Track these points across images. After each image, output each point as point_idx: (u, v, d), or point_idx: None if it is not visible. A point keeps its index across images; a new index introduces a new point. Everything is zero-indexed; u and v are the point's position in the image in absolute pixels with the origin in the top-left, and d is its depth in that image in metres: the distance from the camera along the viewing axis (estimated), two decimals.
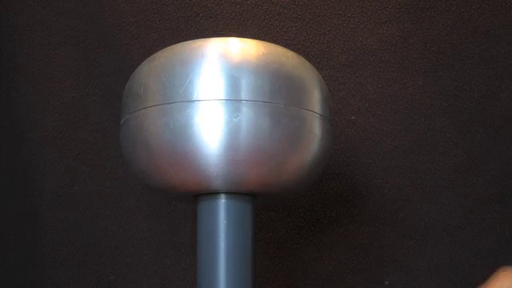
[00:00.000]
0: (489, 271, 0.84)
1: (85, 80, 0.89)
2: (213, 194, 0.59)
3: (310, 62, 0.63)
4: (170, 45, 0.60)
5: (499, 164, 0.85)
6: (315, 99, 0.59)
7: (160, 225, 0.89)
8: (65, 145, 0.90)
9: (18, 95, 0.90)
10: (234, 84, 0.55)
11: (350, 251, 0.87)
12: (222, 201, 0.59)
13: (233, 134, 0.55)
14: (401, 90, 0.85)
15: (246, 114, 0.55)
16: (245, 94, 0.55)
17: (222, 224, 0.59)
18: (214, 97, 0.55)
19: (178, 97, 0.56)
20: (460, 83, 0.85)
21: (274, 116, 0.56)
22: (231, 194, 0.59)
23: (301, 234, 0.87)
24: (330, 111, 0.62)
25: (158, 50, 0.61)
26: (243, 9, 0.86)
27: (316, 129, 0.59)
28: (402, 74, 0.85)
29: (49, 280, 0.90)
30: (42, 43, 0.90)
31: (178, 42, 0.60)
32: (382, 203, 0.86)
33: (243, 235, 0.60)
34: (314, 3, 0.86)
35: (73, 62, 0.89)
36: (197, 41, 0.58)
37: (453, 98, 0.85)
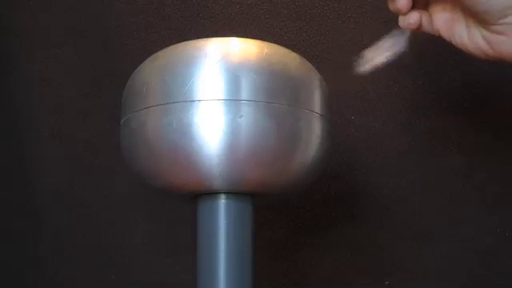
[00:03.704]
0: (489, 271, 0.85)
1: (85, 80, 0.89)
2: (213, 193, 0.59)
3: (310, 62, 0.63)
4: (171, 45, 0.60)
5: (499, 164, 0.85)
6: (315, 99, 0.59)
7: (160, 225, 0.90)
8: (65, 145, 0.90)
9: (18, 95, 0.90)
10: (237, 84, 0.56)
11: (349, 251, 0.87)
12: (222, 201, 0.59)
13: (235, 133, 0.55)
14: (401, 89, 0.85)
15: (248, 114, 0.55)
16: (247, 94, 0.55)
17: (222, 224, 0.59)
18: (218, 97, 0.55)
19: (181, 96, 0.56)
20: (460, 83, 0.85)
21: (275, 116, 0.56)
22: (231, 193, 0.59)
23: (301, 234, 0.87)
24: (330, 111, 0.62)
25: (158, 50, 0.61)
26: (243, 9, 0.86)
27: (316, 129, 0.59)
28: (401, 74, 0.85)
29: (49, 280, 0.90)
30: (42, 43, 0.90)
31: (179, 42, 0.60)
32: (382, 203, 0.86)
33: (243, 235, 0.60)
34: (314, 3, 0.86)
35: (73, 62, 0.89)
36: (199, 40, 0.58)
37: (453, 97, 0.85)
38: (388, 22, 0.84)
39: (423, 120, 0.85)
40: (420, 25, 0.62)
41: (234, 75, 0.56)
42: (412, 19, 0.62)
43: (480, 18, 0.58)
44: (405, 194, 0.86)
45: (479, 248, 0.85)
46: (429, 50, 0.85)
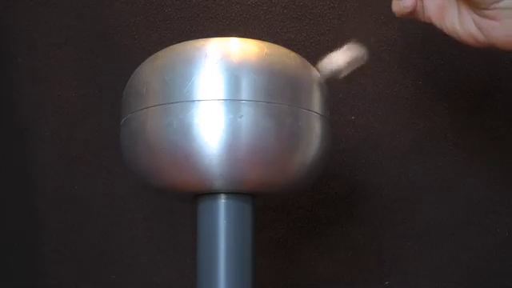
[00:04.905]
0: (488, 271, 0.85)
1: (85, 80, 0.89)
2: (213, 193, 0.59)
3: (310, 62, 0.63)
4: (171, 45, 0.60)
5: (499, 164, 0.85)
6: (315, 99, 0.59)
7: (160, 225, 0.90)
8: (65, 145, 0.90)
9: (18, 95, 0.90)
10: (237, 84, 0.56)
11: (349, 251, 0.87)
12: (222, 201, 0.59)
13: (235, 134, 0.55)
14: (401, 90, 0.85)
15: (248, 114, 0.55)
16: (247, 94, 0.56)
17: (222, 224, 0.59)
18: (218, 97, 0.55)
19: (181, 96, 0.56)
20: (460, 83, 0.85)
21: (275, 116, 0.56)
22: (231, 194, 0.59)
23: (301, 234, 0.87)
24: (330, 111, 0.62)
25: (158, 50, 0.61)
26: (243, 9, 0.86)
27: (316, 129, 0.59)
28: (402, 73, 0.85)
29: (49, 280, 0.90)
30: (42, 43, 0.90)
31: (179, 42, 0.60)
32: (382, 203, 0.86)
33: (243, 235, 0.60)
34: (314, 3, 0.86)
35: (73, 62, 0.89)
36: (199, 40, 0.58)
37: (453, 98, 0.85)
38: (388, 22, 0.85)
39: (423, 120, 0.85)
40: (414, 10, 0.62)
41: (233, 75, 0.56)
42: (407, 2, 0.62)
43: (473, 3, 0.58)
44: (405, 194, 0.86)
45: (479, 248, 0.85)
46: (429, 50, 0.85)
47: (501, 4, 0.56)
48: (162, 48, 0.61)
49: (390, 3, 0.64)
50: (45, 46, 0.90)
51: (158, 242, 0.89)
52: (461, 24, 0.60)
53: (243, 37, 0.60)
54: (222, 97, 0.55)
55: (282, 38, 0.85)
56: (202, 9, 0.87)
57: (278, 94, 0.56)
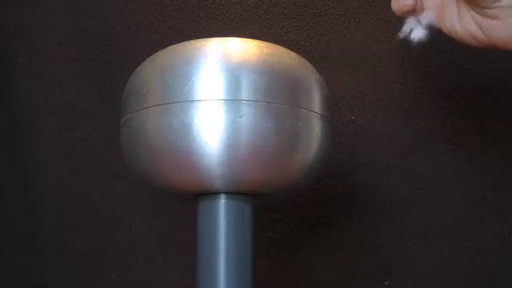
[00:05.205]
0: (488, 271, 0.85)
1: (85, 80, 0.89)
2: (213, 193, 0.59)
3: (310, 62, 0.63)
4: (171, 45, 0.60)
5: (499, 164, 0.85)
6: (315, 99, 0.59)
7: (160, 225, 0.90)
8: (65, 145, 0.90)
9: (17, 95, 0.90)
10: (237, 84, 0.56)
11: (349, 251, 0.87)
12: (222, 201, 0.59)
13: (236, 134, 0.55)
14: (401, 90, 0.85)
15: (248, 114, 0.55)
16: (247, 94, 0.56)
17: (222, 224, 0.59)
18: (218, 97, 0.55)
19: (181, 96, 0.56)
20: (460, 83, 0.85)
21: (275, 116, 0.56)
22: (231, 193, 0.59)
23: (301, 234, 0.87)
24: (330, 111, 0.62)
25: (158, 50, 0.61)
26: (243, 9, 0.86)
27: (316, 129, 0.59)
28: (401, 74, 0.85)
29: (49, 280, 0.90)
30: (42, 43, 0.90)
31: (179, 42, 0.60)
32: (382, 203, 0.86)
33: (243, 235, 0.60)
34: (314, 4, 0.86)
35: (73, 62, 0.89)
36: (199, 40, 0.59)
37: (453, 98, 0.85)
38: (388, 22, 0.85)
39: (423, 120, 0.85)
40: (414, 9, 0.62)
41: (233, 75, 0.56)
42: (407, 0, 0.61)
43: (473, 1, 0.57)
44: (405, 194, 0.86)
45: (479, 248, 0.85)
46: (429, 50, 0.85)
47: (502, 3, 0.55)
48: (162, 48, 0.61)
49: (390, 3, 0.64)
50: (45, 45, 0.90)
51: (158, 241, 0.89)
52: (460, 23, 0.60)
53: (243, 37, 0.60)
54: (222, 97, 0.55)
55: (282, 38, 0.85)
56: (201, 9, 0.87)
57: (278, 94, 0.56)
